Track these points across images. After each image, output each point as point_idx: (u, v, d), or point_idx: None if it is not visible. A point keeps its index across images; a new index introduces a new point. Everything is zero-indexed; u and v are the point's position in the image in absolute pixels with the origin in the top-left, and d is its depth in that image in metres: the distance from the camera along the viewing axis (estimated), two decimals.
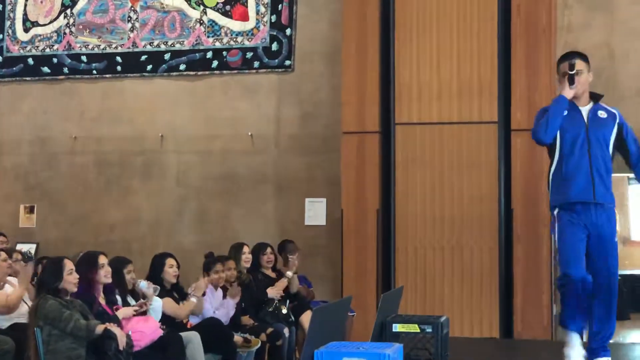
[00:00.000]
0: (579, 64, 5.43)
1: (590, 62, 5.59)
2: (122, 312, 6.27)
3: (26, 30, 11.03)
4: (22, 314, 7.17)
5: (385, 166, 8.80)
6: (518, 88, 8.52)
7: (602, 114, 5.40)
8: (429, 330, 4.83)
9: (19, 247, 9.38)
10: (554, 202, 5.50)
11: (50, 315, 5.78)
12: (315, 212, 9.97)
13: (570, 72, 5.40)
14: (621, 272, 9.26)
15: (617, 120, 5.38)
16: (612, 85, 9.51)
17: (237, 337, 7.18)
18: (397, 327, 4.86)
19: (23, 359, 6.33)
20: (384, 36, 8.90)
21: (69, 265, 6.06)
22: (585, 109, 5.41)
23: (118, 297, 6.58)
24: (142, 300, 6.55)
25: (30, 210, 10.91)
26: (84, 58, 10.85)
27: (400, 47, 8.76)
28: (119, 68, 10.75)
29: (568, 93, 5.40)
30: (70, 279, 6.00)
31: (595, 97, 5.55)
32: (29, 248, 9.96)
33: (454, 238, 8.53)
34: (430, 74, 8.65)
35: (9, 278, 7.60)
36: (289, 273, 8.38)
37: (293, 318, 8.21)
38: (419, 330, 4.85)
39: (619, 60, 9.53)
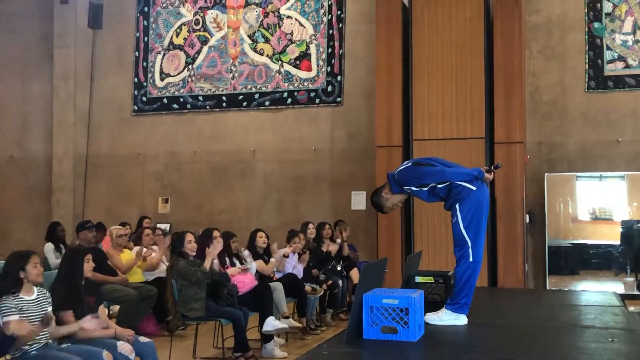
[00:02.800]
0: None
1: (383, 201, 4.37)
2: (230, 271, 6.30)
3: (162, 79, 11.13)
4: (161, 271, 7.27)
5: None
6: (498, 114, 8.36)
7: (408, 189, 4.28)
8: (441, 281, 4.73)
9: (159, 225, 9.49)
10: None
11: (181, 271, 5.83)
12: (358, 200, 9.90)
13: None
14: (572, 241, 9.18)
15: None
16: (563, 111, 9.33)
17: (307, 287, 7.14)
18: (419, 279, 4.76)
19: (163, 300, 6.39)
20: (404, 79, 8.78)
21: (188, 237, 6.11)
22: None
23: (226, 259, 6.60)
24: (244, 265, 6.57)
25: (166, 201, 11.03)
26: (200, 98, 10.92)
27: (415, 86, 8.63)
28: (224, 104, 10.79)
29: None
30: (189, 246, 6.06)
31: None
32: (165, 226, 10.08)
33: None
34: (437, 104, 8.51)
35: (152, 246, 7.71)
36: (339, 241, 8.35)
37: (345, 273, 8.18)
38: (433, 281, 4.75)
39: (568, 94, 9.35)
